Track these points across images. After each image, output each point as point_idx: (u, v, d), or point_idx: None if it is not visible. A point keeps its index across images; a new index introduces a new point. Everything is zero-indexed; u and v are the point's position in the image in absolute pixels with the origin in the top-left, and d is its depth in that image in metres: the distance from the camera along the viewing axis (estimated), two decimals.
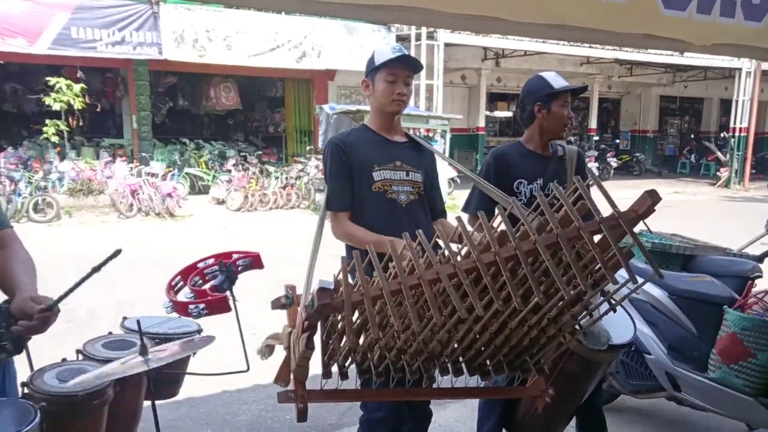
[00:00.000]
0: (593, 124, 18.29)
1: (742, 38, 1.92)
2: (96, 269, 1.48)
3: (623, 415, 3.22)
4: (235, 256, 2.20)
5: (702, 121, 22.84)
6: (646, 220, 1.42)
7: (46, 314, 1.46)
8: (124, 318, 2.41)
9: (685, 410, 3.06)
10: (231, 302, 2.10)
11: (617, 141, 20.27)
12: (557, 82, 2.41)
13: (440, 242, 1.45)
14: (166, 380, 2.30)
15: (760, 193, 15.08)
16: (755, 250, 3.46)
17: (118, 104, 13.62)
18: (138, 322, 1.85)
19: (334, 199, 2.09)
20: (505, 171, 2.41)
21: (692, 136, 21.67)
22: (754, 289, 2.89)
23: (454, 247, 1.41)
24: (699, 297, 2.85)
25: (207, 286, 2.14)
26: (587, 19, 1.68)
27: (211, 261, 2.21)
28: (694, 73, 19.03)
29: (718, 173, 17.38)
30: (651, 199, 1.38)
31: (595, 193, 1.45)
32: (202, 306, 2.03)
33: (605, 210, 1.42)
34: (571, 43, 15.29)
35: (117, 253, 1.44)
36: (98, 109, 13.04)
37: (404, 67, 2.07)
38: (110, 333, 2.29)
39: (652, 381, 2.94)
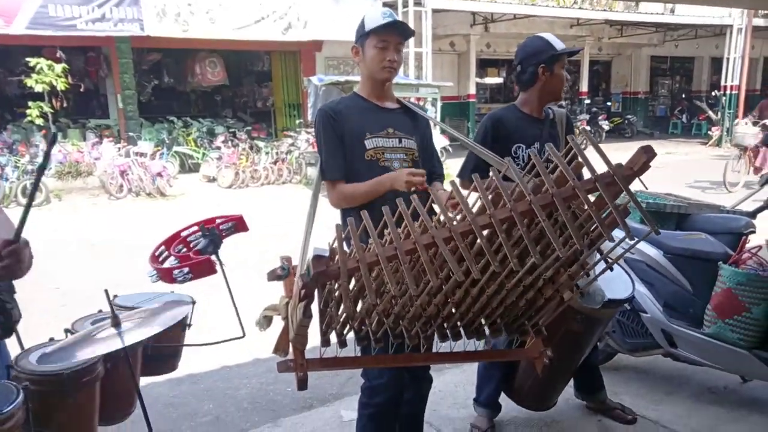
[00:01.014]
0: (584, 87, 18.17)
1: None
2: (43, 165, 1.42)
3: (620, 374, 3.27)
4: (218, 220, 2.17)
5: (693, 81, 22.73)
6: (642, 178, 1.40)
7: (12, 248, 1.36)
8: (115, 296, 2.39)
9: (681, 366, 3.10)
10: (218, 266, 2.07)
11: (608, 103, 20.16)
12: (558, 43, 2.37)
13: (435, 206, 1.44)
14: (163, 354, 2.29)
15: None
16: (748, 206, 3.48)
17: (102, 84, 13.37)
18: (106, 291, 1.80)
19: (328, 168, 2.06)
20: (504, 135, 2.38)
21: (683, 96, 21.58)
22: (747, 245, 2.91)
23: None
24: (694, 254, 2.86)
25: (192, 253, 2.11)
26: None
27: (194, 228, 2.17)
28: (685, 31, 18.84)
29: (709, 132, 17.38)
30: (646, 156, 1.36)
31: (589, 156, 1.43)
32: (186, 270, 1.97)
33: (600, 170, 1.40)
34: (561, 4, 15.11)
35: (54, 136, 1.41)
36: (82, 90, 12.78)
37: (395, 33, 2.02)
38: (100, 311, 2.27)
39: (649, 339, 2.98)
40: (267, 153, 11.73)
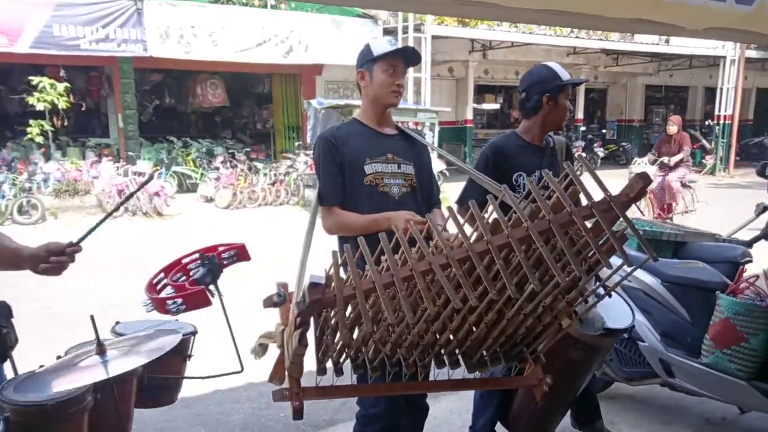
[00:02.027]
0: (580, 114, 18.36)
1: (733, 22, 1.92)
2: (129, 196, 1.60)
3: (617, 403, 3.23)
4: (220, 248, 2.14)
5: (687, 110, 22.99)
6: (638, 204, 1.40)
7: (74, 248, 1.63)
8: (117, 322, 2.34)
9: (679, 396, 3.07)
10: (217, 296, 2.02)
11: (603, 131, 20.36)
12: (564, 74, 2.39)
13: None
14: (160, 385, 2.20)
15: (744, 180, 15.22)
16: (743, 235, 3.49)
17: (103, 103, 13.45)
18: (92, 318, 1.73)
19: (326, 193, 2.06)
20: (504, 164, 2.38)
21: None
22: (744, 274, 2.90)
23: (446, 237, 1.39)
24: (691, 283, 2.86)
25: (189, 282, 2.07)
26: (579, 3, 1.66)
27: (195, 256, 2.13)
28: (680, 61, 19.13)
29: (703, 161, 17.52)
30: (642, 182, 1.36)
31: (586, 183, 1.43)
32: (179, 301, 1.92)
33: (597, 197, 1.40)
34: (558, 33, 15.35)
35: (150, 178, 1.56)
36: (83, 109, 12.88)
37: (402, 58, 2.06)
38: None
39: (646, 368, 2.95)
40: (265, 174, 11.76)
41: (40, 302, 5.00)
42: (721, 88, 16.79)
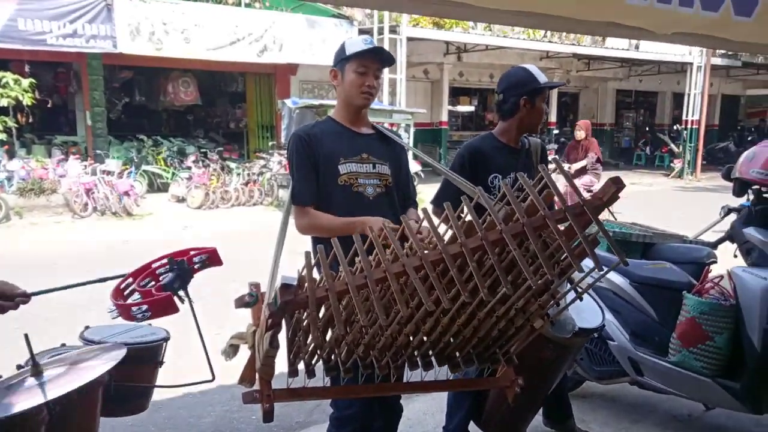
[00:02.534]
0: (553, 117, 18.64)
1: (700, 27, 1.97)
2: (98, 281, 1.50)
3: (588, 401, 3.28)
4: (191, 253, 2.08)
5: (656, 114, 23.57)
6: (612, 207, 1.43)
7: (23, 300, 1.59)
8: (86, 327, 2.27)
9: (647, 393, 3.13)
10: (187, 302, 1.96)
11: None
12: (541, 76, 2.40)
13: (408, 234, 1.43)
14: (130, 394, 2.13)
15: (711, 183, 15.64)
16: (709, 236, 3.58)
17: (70, 100, 13.11)
18: (26, 336, 1.60)
19: (299, 192, 2.03)
20: (481, 165, 2.38)
21: (647, 128, 22.34)
22: (710, 275, 2.98)
23: (421, 238, 1.38)
24: (659, 283, 2.92)
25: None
26: (552, 6, 1.68)
27: (165, 261, 2.05)
28: (649, 67, 19.60)
29: (671, 164, 17.98)
30: (615, 186, 1.38)
31: (560, 185, 1.45)
32: (145, 308, 1.84)
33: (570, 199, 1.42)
34: (531, 37, 15.57)
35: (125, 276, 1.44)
36: (49, 105, 12.52)
37: (376, 59, 2.04)
38: (63, 345, 2.12)
39: (616, 366, 3.00)
40: (238, 174, 11.63)
41: None
42: (689, 94, 17.25)
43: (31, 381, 1.56)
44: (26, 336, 1.61)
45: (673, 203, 9.36)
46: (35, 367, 1.58)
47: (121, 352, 1.69)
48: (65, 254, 7.22)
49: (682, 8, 1.87)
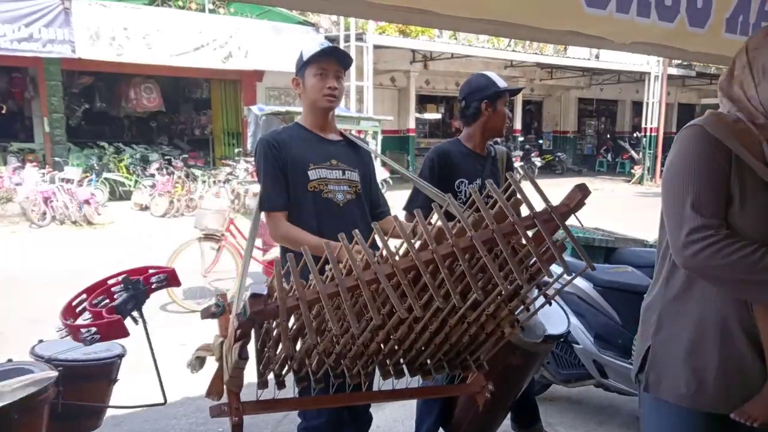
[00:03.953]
0: (518, 125, 18.98)
1: (656, 37, 2.04)
2: None
3: (555, 404, 3.33)
4: (150, 271, 2.01)
5: (617, 122, 24.25)
6: (577, 214, 1.45)
7: None
8: (40, 341, 2.18)
9: (612, 396, 3.20)
10: (141, 323, 1.89)
11: (540, 141, 21.15)
12: (501, 81, 2.45)
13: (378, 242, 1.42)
14: (81, 413, 2.05)
15: None
16: None
17: (27, 106, 12.68)
18: None
19: (268, 199, 2.00)
20: (448, 169, 2.40)
21: (608, 136, 22.96)
22: None
23: (391, 245, 1.38)
24: (621, 287, 2.98)
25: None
26: (514, 14, 1.72)
27: (121, 278, 1.98)
28: (609, 76, 20.18)
29: (632, 171, 18.51)
30: (581, 193, 1.40)
31: (527, 192, 1.46)
32: (94, 330, 1.76)
33: (538, 206, 1.44)
34: (496, 46, 15.85)
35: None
36: (4, 111, 12.09)
37: (333, 61, 2.03)
38: (9, 360, 2.02)
39: (581, 369, 3.05)
40: (204, 181, 11.44)
41: None
42: (647, 102, 17.83)
43: None
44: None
45: (634, 208, 9.64)
46: None
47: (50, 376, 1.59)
48: (22, 265, 6.95)
49: (640, 18, 1.94)
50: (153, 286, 1.98)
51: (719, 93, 1.54)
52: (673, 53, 2.27)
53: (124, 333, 1.82)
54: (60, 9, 9.92)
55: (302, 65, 2.03)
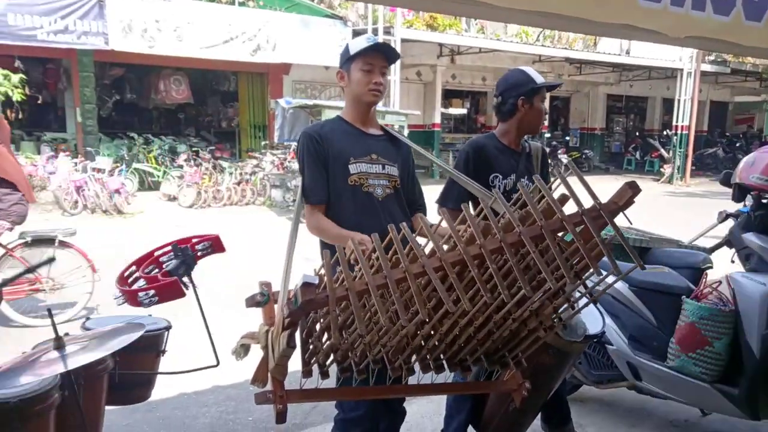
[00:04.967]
0: (545, 121, 18.73)
1: (711, 31, 1.99)
2: (27, 271, 1.42)
3: (586, 405, 3.29)
4: (194, 240, 2.08)
5: (646, 119, 23.78)
6: (626, 212, 1.43)
7: None
8: (87, 318, 2.25)
9: (644, 398, 3.15)
10: (191, 288, 1.96)
11: (567, 138, 20.85)
12: (538, 77, 2.42)
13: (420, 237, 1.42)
14: (133, 382, 2.13)
15: (700, 189, 15.82)
16: (703, 241, 3.60)
17: (60, 97, 12.96)
18: (49, 310, 1.66)
19: (309, 192, 2.02)
20: (483, 163, 2.38)
21: (637, 133, 22.53)
22: (707, 280, 3.00)
23: (420, 243, 1.37)
24: (658, 288, 2.93)
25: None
26: (570, 7, 1.69)
27: (168, 248, 2.07)
28: (639, 72, 19.77)
29: (661, 169, 18.13)
30: (632, 191, 1.39)
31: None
32: (152, 293, 1.86)
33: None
34: (524, 41, 15.64)
35: (51, 260, 1.38)
36: (39, 102, 12.37)
37: (380, 56, 2.03)
38: (67, 334, 2.14)
39: (614, 371, 3.01)
40: (231, 173, 11.56)
41: None
42: (678, 100, 17.42)
43: (52, 354, 1.60)
44: (49, 310, 1.65)
45: (665, 208, 9.43)
46: (58, 341, 1.62)
47: (140, 330, 1.70)
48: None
49: (695, 12, 1.89)
50: (199, 254, 2.05)
51: None
52: (728, 48, 2.21)
53: (181, 294, 1.90)
54: (95, 1, 10.08)
55: (348, 59, 2.04)
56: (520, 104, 2.41)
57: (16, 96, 9.97)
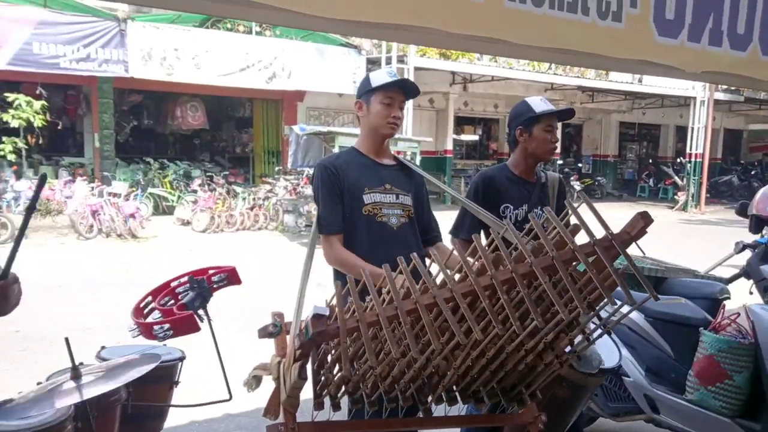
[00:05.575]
0: (555, 148, 18.71)
1: (728, 66, 2.00)
2: (32, 206, 1.44)
3: None
4: (210, 272, 2.09)
5: (659, 147, 23.69)
6: (639, 243, 1.42)
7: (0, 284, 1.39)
8: (102, 347, 2.25)
9: None
10: (206, 321, 1.96)
11: (579, 165, 20.80)
12: (540, 106, 2.43)
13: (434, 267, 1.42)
14: (146, 414, 2.11)
15: (715, 216, 15.64)
16: (719, 271, 3.54)
17: (79, 122, 13.24)
18: (66, 340, 1.66)
19: (325, 222, 2.04)
20: (492, 195, 2.40)
21: (650, 161, 22.44)
22: (724, 311, 2.94)
23: (435, 272, 1.37)
24: (675, 319, 2.88)
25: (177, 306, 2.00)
26: (586, 44, 1.71)
27: (184, 279, 2.07)
28: (652, 100, 19.78)
29: (675, 197, 17.98)
30: (644, 221, 1.38)
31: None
32: (167, 326, 1.85)
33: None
34: (536, 69, 15.76)
35: (44, 177, 1.40)
36: (59, 127, 12.64)
37: (400, 91, 2.08)
38: (81, 364, 2.14)
39: (631, 403, 2.94)
40: (244, 198, 11.66)
41: (10, 326, 4.79)
42: (692, 128, 17.37)
43: (69, 384, 1.61)
44: (66, 340, 1.66)
45: (679, 236, 9.30)
46: (75, 371, 1.64)
47: (155, 362, 1.70)
48: (72, 276, 7.19)
49: (711, 47, 1.91)
50: (215, 286, 2.05)
51: None
52: (745, 82, 2.22)
53: (196, 328, 1.89)
54: (116, 31, 10.37)
55: (369, 90, 2.08)
56: (518, 134, 2.44)
57: (38, 122, 10.21)
